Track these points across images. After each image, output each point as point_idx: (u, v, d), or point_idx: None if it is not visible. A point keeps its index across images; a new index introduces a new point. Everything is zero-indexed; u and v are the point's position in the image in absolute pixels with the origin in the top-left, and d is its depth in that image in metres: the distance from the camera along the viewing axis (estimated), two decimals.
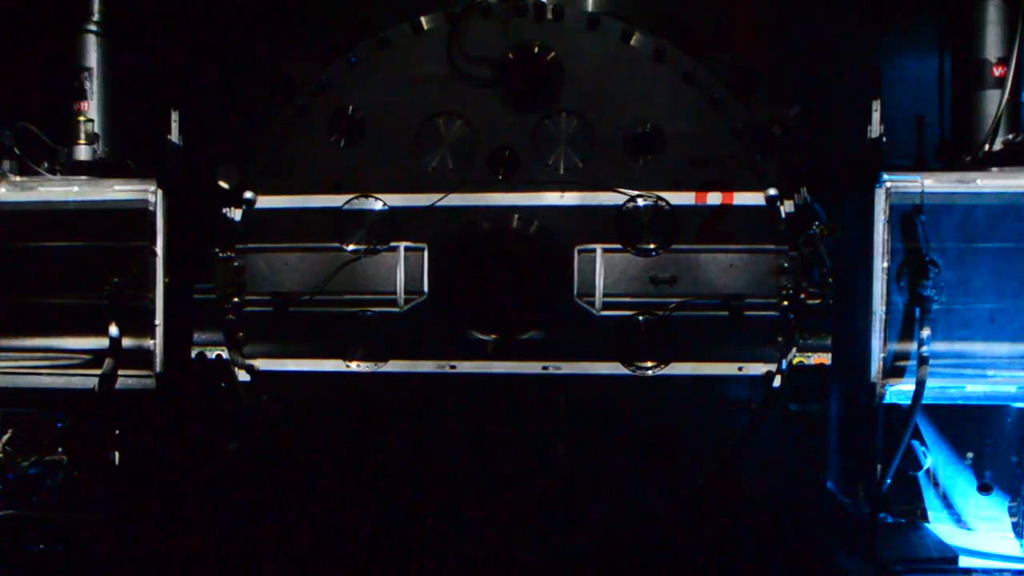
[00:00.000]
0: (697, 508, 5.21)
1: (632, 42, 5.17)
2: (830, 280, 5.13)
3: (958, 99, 5.90)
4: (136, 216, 5.54)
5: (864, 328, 5.25)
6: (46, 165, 5.85)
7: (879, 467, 5.30)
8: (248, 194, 5.35)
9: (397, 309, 5.25)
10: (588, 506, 5.25)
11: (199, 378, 5.60)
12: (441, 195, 5.22)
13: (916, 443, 5.42)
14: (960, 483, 5.51)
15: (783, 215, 5.14)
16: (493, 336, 5.24)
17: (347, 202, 5.31)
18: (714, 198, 5.15)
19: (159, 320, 5.54)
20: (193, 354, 5.61)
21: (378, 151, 5.32)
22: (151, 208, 5.53)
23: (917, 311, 5.10)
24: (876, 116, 5.27)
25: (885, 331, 5.19)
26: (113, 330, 5.40)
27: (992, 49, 5.61)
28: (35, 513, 5.71)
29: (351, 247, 5.31)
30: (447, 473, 5.28)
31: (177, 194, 5.62)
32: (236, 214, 5.38)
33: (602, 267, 5.15)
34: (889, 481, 5.17)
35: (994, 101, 5.56)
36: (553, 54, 5.19)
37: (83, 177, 5.75)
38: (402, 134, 5.28)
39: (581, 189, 5.21)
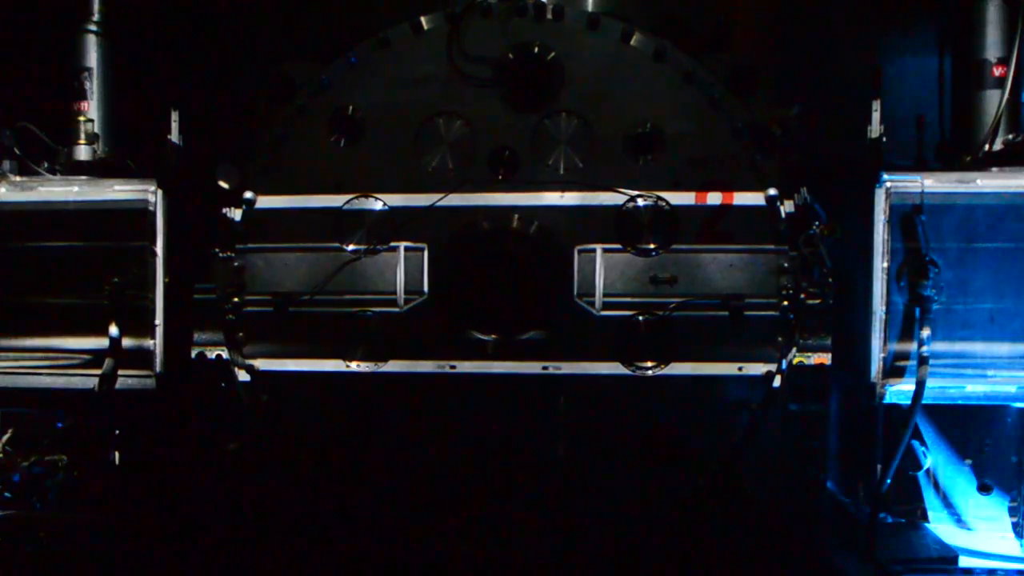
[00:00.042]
0: (697, 508, 5.21)
1: (632, 42, 5.17)
2: (830, 280, 5.13)
3: (958, 99, 5.89)
4: (136, 216, 5.54)
5: (864, 328, 5.25)
6: (46, 165, 5.86)
7: (879, 467, 5.31)
8: (248, 194, 5.35)
9: (397, 309, 5.25)
10: (588, 506, 5.25)
11: (199, 378, 5.59)
12: (441, 195, 5.22)
13: (916, 443, 5.43)
14: (960, 483, 5.51)
15: (783, 215, 5.14)
16: (493, 336, 5.24)
17: (347, 202, 5.31)
18: (714, 198, 5.15)
19: (159, 320, 5.54)
20: (193, 354, 5.59)
21: (378, 151, 5.32)
22: (151, 208, 5.53)
23: (917, 311, 5.10)
24: (876, 116, 5.28)
25: (885, 331, 5.19)
26: (113, 330, 5.40)
27: (992, 49, 5.61)
28: (35, 513, 5.71)
29: (351, 247, 5.31)
30: (447, 473, 5.28)
31: (177, 194, 5.63)
32: (236, 214, 5.38)
33: (602, 267, 5.15)
34: (889, 481, 5.17)
35: (994, 101, 5.56)
36: (553, 54, 5.19)
37: (83, 177, 5.75)
38: (402, 134, 5.28)
39: (581, 189, 5.21)
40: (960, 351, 5.19)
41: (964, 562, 5.10)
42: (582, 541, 5.25)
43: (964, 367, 5.18)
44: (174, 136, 5.67)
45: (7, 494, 5.73)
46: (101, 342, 5.45)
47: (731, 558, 5.19)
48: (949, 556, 5.13)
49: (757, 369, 5.15)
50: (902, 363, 5.19)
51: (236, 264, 5.37)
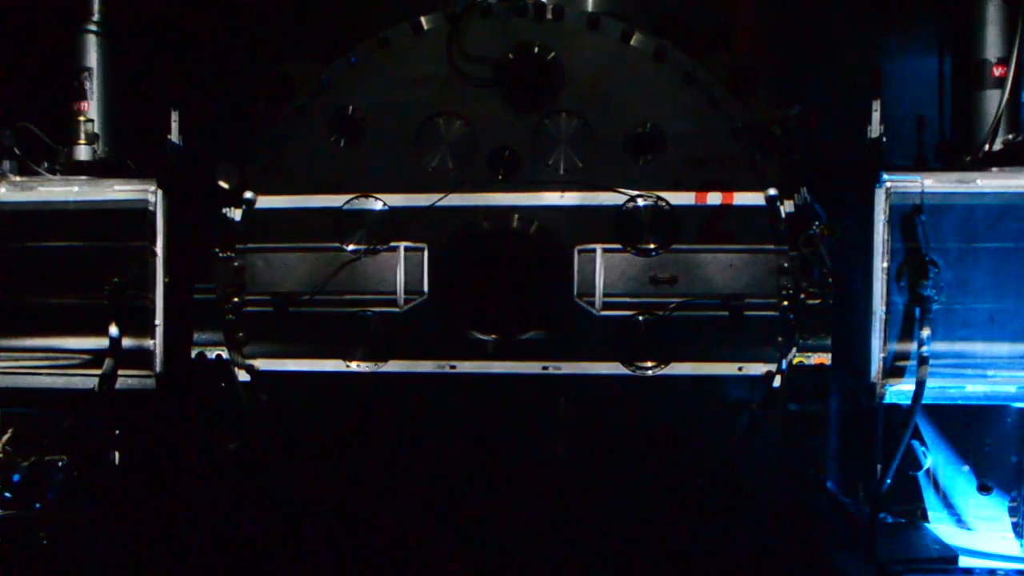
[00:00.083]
0: (697, 508, 5.20)
1: (632, 42, 5.17)
2: (830, 280, 5.12)
3: (958, 99, 5.88)
4: (136, 216, 5.54)
5: (864, 328, 5.25)
6: (46, 165, 5.85)
7: (879, 467, 5.31)
8: (248, 194, 5.35)
9: (397, 309, 5.25)
10: (588, 506, 5.24)
11: (199, 378, 5.59)
12: (441, 195, 5.21)
13: (916, 443, 5.43)
14: (960, 483, 5.51)
15: (783, 215, 5.13)
16: (493, 336, 5.24)
17: (347, 202, 5.31)
18: (714, 198, 5.15)
19: (159, 320, 5.54)
20: (193, 354, 5.59)
21: (378, 151, 5.32)
22: (151, 208, 5.54)
23: (917, 311, 5.10)
24: (876, 116, 5.27)
25: (885, 331, 5.19)
26: (113, 330, 5.40)
27: (992, 49, 5.60)
28: (35, 513, 5.71)
29: (351, 247, 5.31)
30: (447, 473, 5.28)
31: (177, 194, 5.62)
32: (236, 214, 5.38)
33: (602, 267, 5.15)
34: (889, 481, 5.17)
35: (994, 101, 5.56)
36: (553, 54, 5.18)
37: (83, 177, 5.75)
38: (402, 134, 5.28)
39: (581, 189, 5.21)
40: (960, 351, 5.19)
41: (964, 562, 5.09)
42: (582, 541, 5.25)
43: (964, 367, 5.18)
44: (174, 136, 5.67)
45: (7, 494, 5.73)
46: (101, 342, 5.45)
47: (731, 558, 5.19)
48: (949, 556, 5.13)
49: (757, 369, 5.15)
50: (902, 363, 5.19)
51: (236, 264, 5.36)
